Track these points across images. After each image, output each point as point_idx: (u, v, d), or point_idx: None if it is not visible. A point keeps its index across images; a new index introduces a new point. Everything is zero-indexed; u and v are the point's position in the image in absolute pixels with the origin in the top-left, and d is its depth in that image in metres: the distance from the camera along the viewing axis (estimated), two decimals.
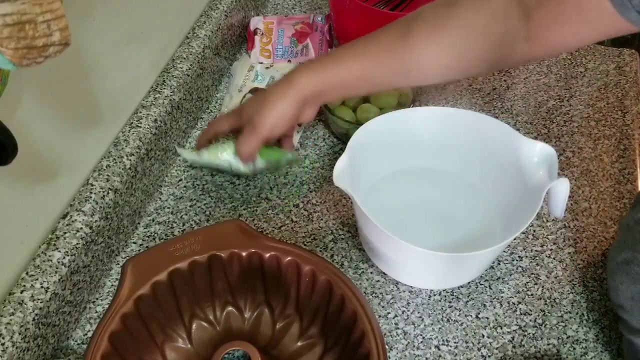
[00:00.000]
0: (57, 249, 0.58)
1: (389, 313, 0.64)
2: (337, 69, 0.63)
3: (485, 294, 0.66)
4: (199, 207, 0.74)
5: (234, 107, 0.81)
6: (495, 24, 0.53)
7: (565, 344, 0.62)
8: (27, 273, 0.56)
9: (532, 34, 0.51)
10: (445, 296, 0.65)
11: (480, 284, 0.66)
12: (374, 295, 0.65)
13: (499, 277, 0.67)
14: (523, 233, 0.71)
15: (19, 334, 0.52)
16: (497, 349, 0.61)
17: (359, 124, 0.69)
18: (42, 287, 0.56)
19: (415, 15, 0.59)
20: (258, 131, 0.65)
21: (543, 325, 0.63)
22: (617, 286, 0.56)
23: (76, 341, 0.62)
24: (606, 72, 0.91)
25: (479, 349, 0.61)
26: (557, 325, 0.63)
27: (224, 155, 0.71)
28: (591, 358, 0.61)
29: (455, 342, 0.62)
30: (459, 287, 0.66)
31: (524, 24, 0.50)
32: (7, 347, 0.51)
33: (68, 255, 0.58)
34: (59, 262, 0.57)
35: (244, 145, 0.67)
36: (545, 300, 0.65)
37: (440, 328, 0.63)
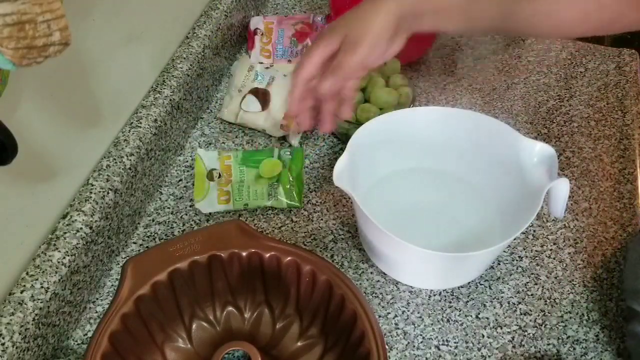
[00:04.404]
0: (57, 249, 0.58)
1: (389, 313, 0.64)
2: None
3: (485, 294, 0.66)
4: None
5: (234, 107, 0.81)
6: None
7: (565, 344, 0.62)
8: (27, 273, 0.56)
9: None
10: (445, 296, 0.65)
11: (480, 284, 0.66)
12: (374, 295, 0.65)
13: (499, 277, 0.67)
14: (523, 233, 0.71)
15: (19, 334, 0.52)
16: (497, 349, 0.61)
17: (359, 124, 0.69)
18: (42, 287, 0.56)
19: None
20: (359, 48, 0.56)
21: (543, 325, 0.63)
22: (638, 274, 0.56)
23: (76, 341, 0.62)
24: (606, 72, 0.90)
25: (479, 349, 0.61)
26: (557, 325, 0.63)
27: None
28: (591, 358, 0.61)
29: (455, 342, 0.62)
30: (459, 287, 0.66)
31: None
32: (7, 347, 0.51)
33: (68, 255, 0.58)
34: (59, 262, 0.57)
35: (344, 64, 0.57)
36: (545, 300, 0.65)
37: (440, 328, 0.63)
